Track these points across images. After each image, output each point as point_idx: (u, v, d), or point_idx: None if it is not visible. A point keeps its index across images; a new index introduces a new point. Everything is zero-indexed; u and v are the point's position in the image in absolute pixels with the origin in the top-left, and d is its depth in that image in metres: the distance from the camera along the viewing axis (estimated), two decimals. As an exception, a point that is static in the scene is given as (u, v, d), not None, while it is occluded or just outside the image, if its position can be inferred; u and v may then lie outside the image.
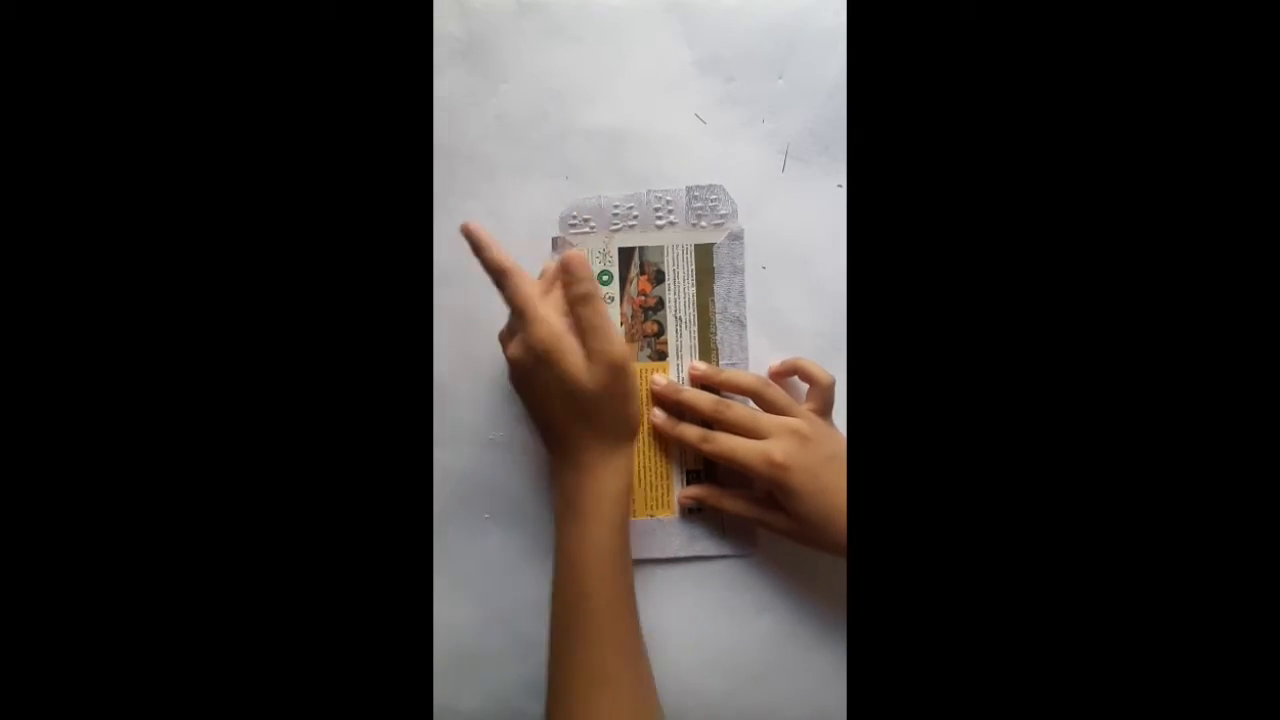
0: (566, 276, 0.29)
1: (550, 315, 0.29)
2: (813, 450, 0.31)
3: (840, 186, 0.35)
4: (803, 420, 0.31)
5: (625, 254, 0.35)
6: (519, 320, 0.29)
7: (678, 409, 0.34)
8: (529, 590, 0.34)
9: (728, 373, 0.34)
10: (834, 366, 0.35)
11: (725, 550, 0.35)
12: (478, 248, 0.30)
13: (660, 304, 0.35)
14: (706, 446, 0.32)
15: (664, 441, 0.35)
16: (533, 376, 0.29)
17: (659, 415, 0.34)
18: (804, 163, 0.36)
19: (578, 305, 0.29)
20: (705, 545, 0.34)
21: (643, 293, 0.35)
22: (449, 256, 0.35)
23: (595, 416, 0.29)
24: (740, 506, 0.33)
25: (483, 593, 0.35)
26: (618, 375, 0.29)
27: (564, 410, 0.29)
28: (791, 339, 0.35)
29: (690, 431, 0.33)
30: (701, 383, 0.34)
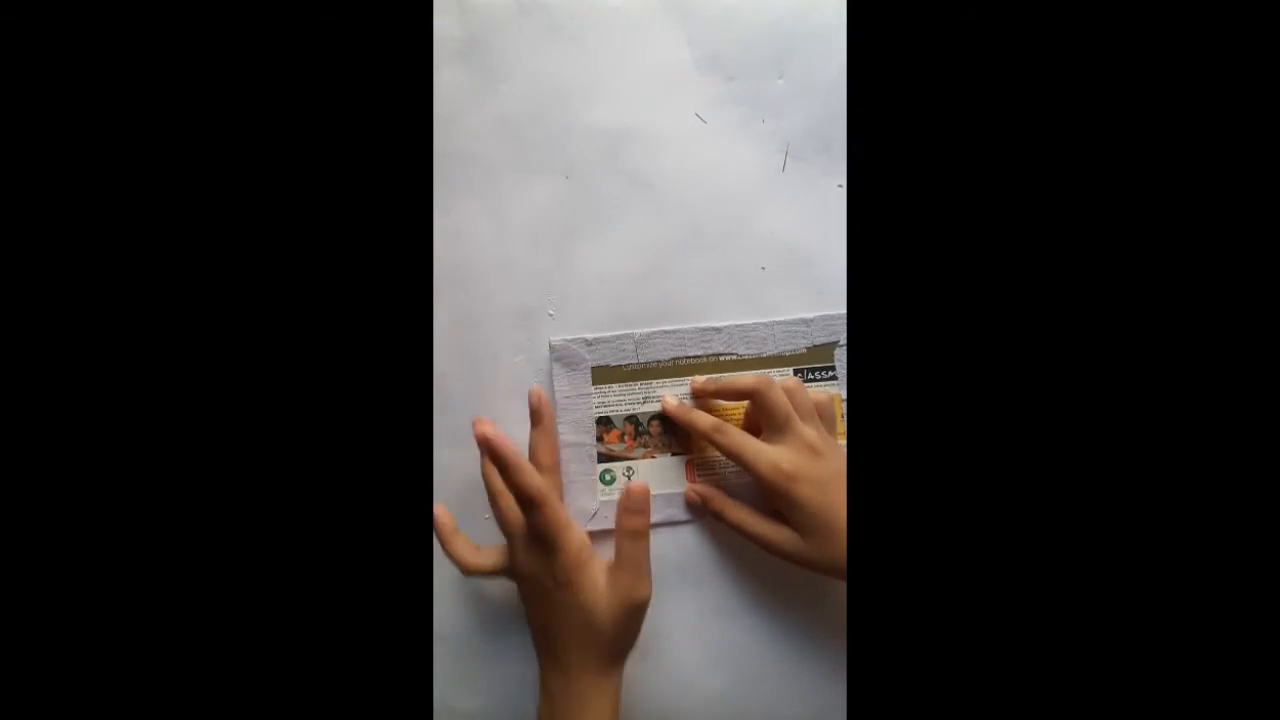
0: (627, 505, 0.29)
1: (577, 543, 0.29)
2: (823, 464, 0.30)
3: (841, 186, 0.35)
4: (818, 435, 0.31)
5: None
6: (546, 545, 0.29)
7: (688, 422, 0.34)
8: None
9: (726, 378, 0.33)
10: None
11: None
12: (505, 468, 0.29)
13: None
14: (718, 437, 0.31)
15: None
16: (547, 597, 0.29)
17: (671, 400, 0.34)
18: (804, 162, 0.36)
19: (627, 538, 0.29)
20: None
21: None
22: (449, 256, 0.35)
23: (599, 644, 0.29)
24: (744, 518, 0.32)
25: (482, 592, 0.35)
26: (634, 615, 0.29)
27: (570, 633, 0.29)
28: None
29: (702, 418, 0.32)
30: (701, 394, 0.34)
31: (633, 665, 0.34)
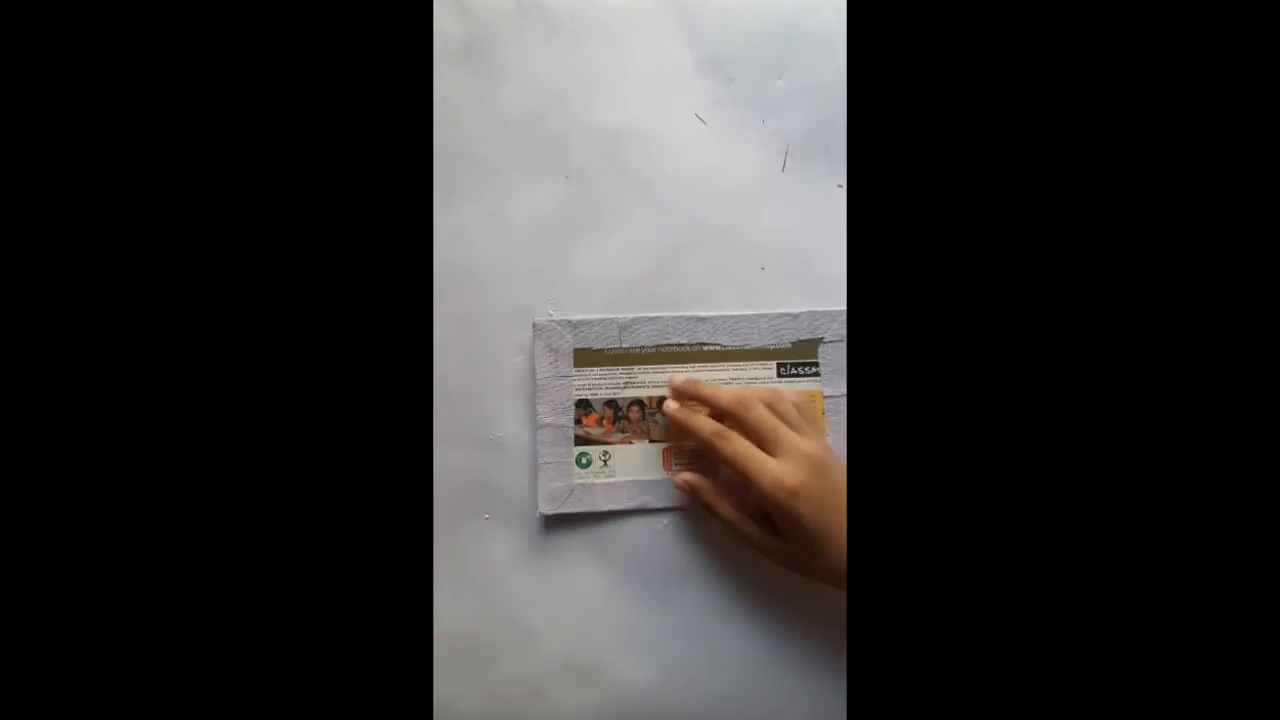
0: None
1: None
2: (823, 479, 0.30)
3: (840, 186, 0.36)
4: (817, 445, 0.30)
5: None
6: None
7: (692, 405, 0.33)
8: (528, 589, 0.34)
9: (706, 390, 0.33)
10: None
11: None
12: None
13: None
14: (720, 444, 0.31)
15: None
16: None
17: (672, 403, 0.33)
18: (804, 162, 0.36)
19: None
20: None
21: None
22: (449, 256, 0.35)
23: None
24: (732, 515, 0.32)
25: (482, 592, 0.35)
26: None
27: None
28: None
29: (705, 423, 0.32)
30: (680, 395, 0.34)
31: (631, 663, 0.34)
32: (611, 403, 0.35)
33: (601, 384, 0.35)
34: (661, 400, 0.34)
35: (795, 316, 0.35)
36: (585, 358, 0.35)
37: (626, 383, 0.35)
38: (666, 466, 0.35)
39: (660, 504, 0.34)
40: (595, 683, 0.34)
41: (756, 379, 0.35)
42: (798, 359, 0.35)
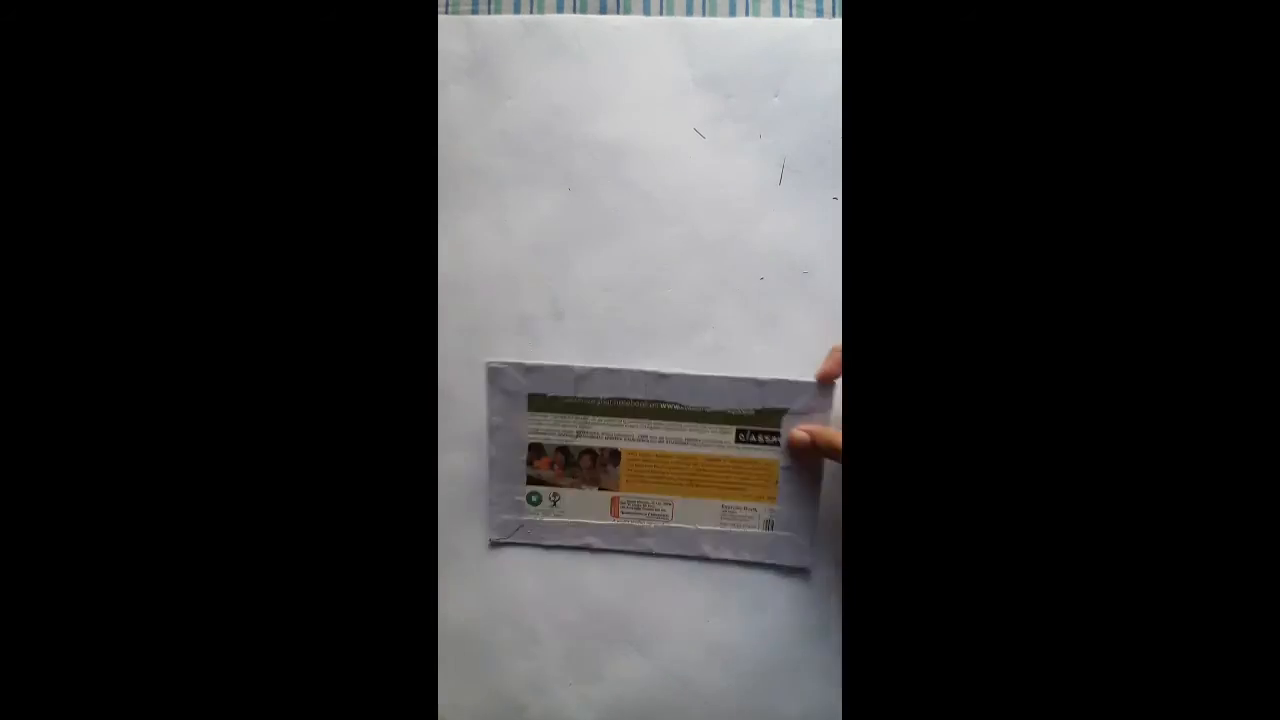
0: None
1: None
2: None
3: (835, 198, 0.36)
4: None
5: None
6: None
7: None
8: (530, 589, 0.35)
9: (825, 437, 0.33)
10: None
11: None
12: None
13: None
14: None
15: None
16: None
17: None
18: (801, 175, 0.36)
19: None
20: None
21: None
22: (454, 266, 0.36)
23: None
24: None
25: (485, 591, 0.35)
26: None
27: None
28: (790, 347, 0.36)
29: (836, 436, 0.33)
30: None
31: (630, 662, 0.34)
32: (564, 449, 0.35)
33: (554, 430, 0.35)
34: (614, 452, 0.35)
35: (762, 384, 0.35)
36: (539, 403, 0.35)
37: (579, 432, 0.35)
38: (614, 513, 0.35)
39: (605, 546, 0.35)
40: (595, 680, 0.34)
41: (713, 441, 0.34)
42: (759, 426, 0.35)
